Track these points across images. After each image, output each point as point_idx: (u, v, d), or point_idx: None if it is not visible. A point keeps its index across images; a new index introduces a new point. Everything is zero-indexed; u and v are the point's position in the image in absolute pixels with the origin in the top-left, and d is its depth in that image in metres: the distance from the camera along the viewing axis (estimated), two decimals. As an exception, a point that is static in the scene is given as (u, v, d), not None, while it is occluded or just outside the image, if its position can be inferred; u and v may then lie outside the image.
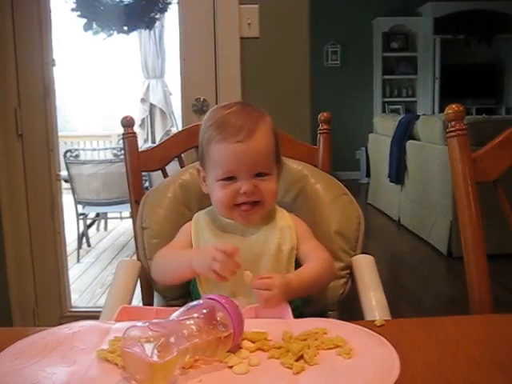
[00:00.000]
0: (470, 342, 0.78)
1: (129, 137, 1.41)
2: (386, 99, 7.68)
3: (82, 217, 4.44)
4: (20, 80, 2.32)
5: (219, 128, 1.06)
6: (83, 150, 5.25)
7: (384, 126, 5.48)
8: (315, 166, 1.37)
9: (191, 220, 1.16)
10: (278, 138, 1.12)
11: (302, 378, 0.64)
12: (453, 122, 1.04)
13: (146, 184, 3.83)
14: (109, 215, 4.98)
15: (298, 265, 1.10)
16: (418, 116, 4.89)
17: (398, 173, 4.92)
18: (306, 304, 1.20)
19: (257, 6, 2.19)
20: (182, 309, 0.70)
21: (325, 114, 1.43)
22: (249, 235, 1.09)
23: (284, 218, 1.14)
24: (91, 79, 6.89)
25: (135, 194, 1.39)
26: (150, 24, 4.07)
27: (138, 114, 5.69)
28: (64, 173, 3.86)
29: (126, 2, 3.86)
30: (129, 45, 5.59)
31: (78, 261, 4.27)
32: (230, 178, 1.05)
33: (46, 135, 2.39)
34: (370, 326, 0.78)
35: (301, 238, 1.13)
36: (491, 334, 0.83)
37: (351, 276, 1.20)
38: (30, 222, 2.41)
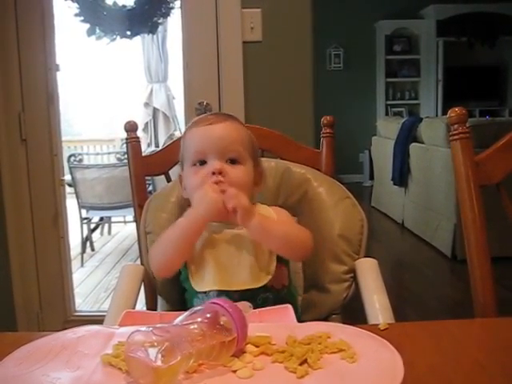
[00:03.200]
0: (474, 346, 0.78)
1: (132, 141, 1.41)
2: (389, 102, 7.69)
3: (85, 221, 4.45)
4: (24, 85, 2.33)
5: (192, 123, 1.14)
6: (87, 154, 5.25)
7: (387, 129, 5.48)
8: (318, 170, 1.37)
9: None
10: (255, 142, 1.14)
11: (305, 382, 0.64)
12: (456, 125, 1.04)
13: (150, 188, 3.83)
14: (112, 219, 4.99)
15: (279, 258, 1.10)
16: (422, 119, 4.89)
17: (401, 175, 4.92)
18: (308, 308, 1.20)
19: (259, 9, 2.19)
20: (186, 313, 0.70)
21: (327, 118, 1.43)
22: (231, 227, 1.07)
23: (265, 210, 1.13)
24: (95, 84, 6.91)
25: (139, 199, 1.40)
26: (152, 28, 4.08)
27: (141, 118, 5.70)
28: (68, 177, 3.87)
29: (128, 7, 3.87)
30: (132, 49, 5.61)
31: (82, 265, 4.28)
32: (202, 164, 1.06)
33: (50, 140, 2.39)
34: (374, 329, 0.78)
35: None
36: (495, 337, 0.82)
37: (355, 279, 1.20)
38: (34, 226, 2.42)
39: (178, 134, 5.62)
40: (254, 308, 1.01)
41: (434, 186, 4.25)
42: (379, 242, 4.58)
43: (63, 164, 2.61)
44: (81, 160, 4.32)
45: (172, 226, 1.06)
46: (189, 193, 1.10)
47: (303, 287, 1.28)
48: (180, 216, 1.21)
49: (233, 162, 1.06)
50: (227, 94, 2.23)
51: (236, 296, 1.01)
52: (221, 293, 1.03)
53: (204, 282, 1.04)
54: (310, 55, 2.24)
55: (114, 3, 3.86)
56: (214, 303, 0.71)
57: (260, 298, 1.04)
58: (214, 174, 1.03)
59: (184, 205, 1.24)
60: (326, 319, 1.20)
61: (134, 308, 1.09)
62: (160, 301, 1.25)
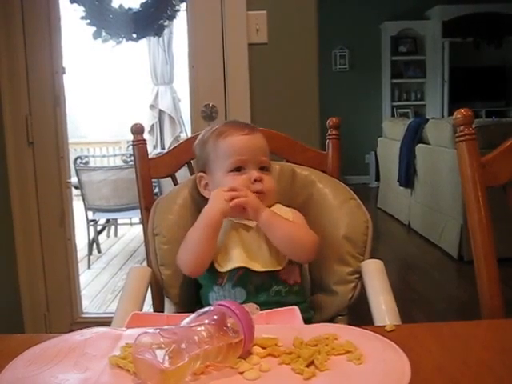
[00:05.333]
0: (481, 347, 0.78)
1: (139, 144, 1.42)
2: (394, 103, 7.67)
3: (92, 223, 4.46)
4: (31, 88, 2.34)
5: (223, 131, 1.18)
6: (93, 156, 5.28)
7: (393, 130, 5.47)
8: (324, 172, 1.37)
9: None
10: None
11: (312, 384, 0.64)
12: (461, 127, 1.04)
13: (156, 190, 3.84)
14: (119, 221, 5.00)
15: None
16: (427, 119, 4.87)
17: (407, 177, 4.90)
18: (315, 309, 1.21)
19: (265, 11, 2.19)
20: (193, 315, 0.70)
21: (333, 120, 1.43)
22: (250, 224, 1.15)
23: (282, 210, 1.20)
24: (101, 86, 6.93)
25: (145, 201, 1.40)
26: (158, 31, 4.09)
27: (147, 120, 5.71)
28: (74, 179, 3.88)
29: (134, 10, 3.88)
30: (138, 52, 5.62)
31: (89, 267, 4.29)
32: (238, 170, 1.15)
33: (57, 143, 2.41)
34: (381, 331, 0.78)
35: None
36: (502, 338, 0.82)
37: (360, 281, 1.20)
38: (41, 228, 2.43)
39: (183, 136, 5.63)
40: (268, 298, 1.09)
41: (441, 186, 4.24)
42: (385, 244, 4.57)
43: (70, 166, 2.62)
44: (87, 162, 4.34)
45: (193, 227, 1.13)
46: None
47: (309, 289, 1.28)
48: (187, 218, 1.22)
49: (262, 169, 1.16)
50: (233, 95, 2.24)
51: (253, 286, 1.10)
52: (239, 283, 1.10)
53: (232, 260, 1.10)
54: (315, 57, 2.24)
55: (120, 6, 3.87)
56: (221, 305, 0.72)
57: (273, 290, 1.11)
58: (255, 181, 1.13)
59: (192, 206, 1.25)
60: (332, 320, 1.20)
61: (141, 310, 1.10)
62: (167, 303, 1.26)
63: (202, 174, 1.22)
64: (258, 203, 1.11)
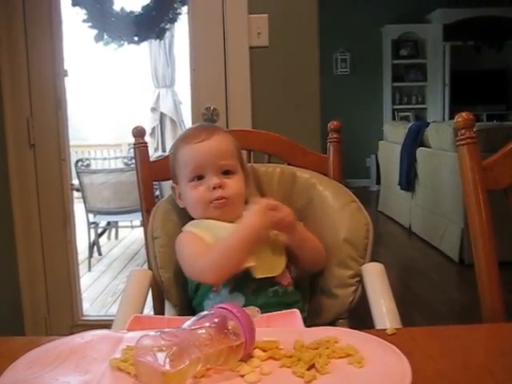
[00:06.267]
0: (482, 351, 0.78)
1: (140, 147, 1.42)
2: (395, 106, 7.68)
3: (93, 225, 4.47)
4: (32, 90, 2.35)
5: (183, 139, 1.18)
6: (94, 159, 5.29)
7: (394, 134, 5.47)
8: (325, 175, 1.38)
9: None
10: (239, 147, 1.21)
11: (313, 387, 0.64)
12: (462, 131, 1.04)
13: (157, 193, 3.84)
14: (120, 224, 5.00)
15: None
16: (428, 123, 4.88)
17: (408, 180, 4.91)
18: (315, 312, 1.21)
19: (266, 15, 2.20)
20: (194, 318, 0.70)
21: (334, 123, 1.43)
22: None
23: None
24: (102, 89, 6.94)
25: (146, 204, 1.40)
26: (160, 34, 4.10)
27: (148, 122, 5.72)
28: (75, 182, 3.89)
29: (136, 13, 3.89)
30: (139, 55, 5.63)
31: (90, 269, 4.29)
32: (199, 178, 1.14)
33: (58, 145, 2.41)
34: (381, 334, 0.78)
35: None
36: (504, 342, 0.82)
37: (361, 284, 1.20)
38: (42, 231, 2.43)
39: (184, 139, 5.63)
40: (266, 300, 1.08)
41: (441, 190, 4.24)
42: (386, 247, 4.57)
43: (71, 169, 2.62)
44: (88, 165, 4.34)
45: (226, 237, 1.08)
46: (190, 206, 1.17)
47: (309, 292, 1.28)
48: (187, 221, 1.22)
49: (227, 172, 1.14)
50: (234, 98, 2.24)
51: (250, 290, 1.09)
52: (236, 288, 1.09)
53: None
54: (316, 60, 2.24)
55: (122, 9, 3.88)
56: (221, 308, 0.72)
57: (270, 291, 1.11)
58: (214, 188, 1.11)
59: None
60: (332, 324, 1.20)
61: (141, 313, 1.10)
62: (167, 305, 1.26)
63: (174, 185, 1.23)
64: (294, 218, 1.12)
